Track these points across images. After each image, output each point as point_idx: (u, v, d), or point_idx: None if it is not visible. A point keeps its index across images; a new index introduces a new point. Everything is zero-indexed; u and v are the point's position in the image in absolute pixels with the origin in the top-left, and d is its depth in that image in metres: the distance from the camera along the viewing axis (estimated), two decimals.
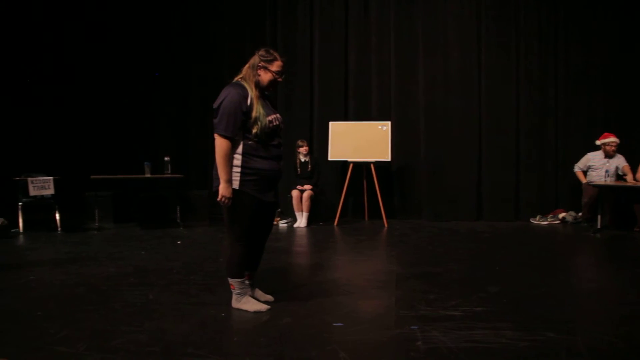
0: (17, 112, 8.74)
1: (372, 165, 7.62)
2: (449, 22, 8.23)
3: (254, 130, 3.13)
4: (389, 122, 7.86)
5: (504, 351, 2.61)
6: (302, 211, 7.56)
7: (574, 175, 7.71)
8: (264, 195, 3.22)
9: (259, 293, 3.53)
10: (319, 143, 8.50)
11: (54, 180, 7.10)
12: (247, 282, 3.41)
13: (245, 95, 3.16)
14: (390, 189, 8.32)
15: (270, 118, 3.19)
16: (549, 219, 7.80)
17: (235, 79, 3.30)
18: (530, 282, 4.13)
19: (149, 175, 7.49)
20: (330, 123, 7.99)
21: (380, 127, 7.77)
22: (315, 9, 8.62)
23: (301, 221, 7.56)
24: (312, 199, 7.59)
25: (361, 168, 7.97)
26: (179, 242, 6.21)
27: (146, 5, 9.14)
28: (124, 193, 8.23)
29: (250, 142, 3.16)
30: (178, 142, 9.19)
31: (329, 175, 8.47)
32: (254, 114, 3.13)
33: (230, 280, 3.32)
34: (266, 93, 3.36)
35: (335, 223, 7.69)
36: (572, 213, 7.79)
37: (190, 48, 9.10)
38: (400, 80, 8.36)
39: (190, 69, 9.12)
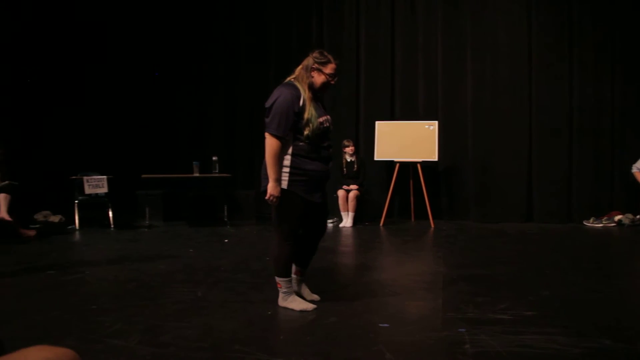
0: (74, 114, 9.09)
1: (418, 165, 7.54)
2: (498, 20, 8.04)
3: (305, 132, 3.13)
4: (436, 122, 7.76)
5: (556, 357, 2.53)
6: (347, 211, 7.55)
7: (631, 175, 7.39)
8: (311, 196, 3.23)
9: (306, 291, 3.54)
10: (365, 143, 8.48)
11: (108, 179, 7.34)
12: (296, 277, 3.45)
13: (298, 96, 3.16)
14: (437, 189, 8.21)
15: (321, 120, 3.19)
16: (603, 222, 7.50)
17: (288, 79, 3.31)
18: (584, 286, 3.99)
19: (197, 175, 7.65)
20: (377, 123, 7.95)
21: (427, 126, 7.68)
22: (361, 8, 8.60)
23: (347, 221, 7.55)
24: (358, 199, 7.58)
25: (408, 168, 7.90)
26: (226, 240, 6.31)
27: (192, 6, 9.33)
28: (174, 192, 8.44)
29: (300, 144, 3.17)
30: (225, 142, 9.35)
31: (375, 175, 8.43)
32: (306, 115, 3.13)
33: (277, 279, 3.35)
34: (318, 94, 3.36)
35: (381, 223, 7.65)
36: (630, 215, 7.46)
37: (236, 49, 9.23)
38: (447, 79, 8.24)
39: (237, 70, 9.26)
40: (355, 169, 7.77)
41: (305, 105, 3.15)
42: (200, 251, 5.57)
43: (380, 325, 3.03)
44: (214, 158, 7.83)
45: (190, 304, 3.50)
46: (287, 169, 3.17)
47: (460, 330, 2.91)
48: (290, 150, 3.17)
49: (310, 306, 3.32)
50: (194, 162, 7.65)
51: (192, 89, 9.45)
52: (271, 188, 3.13)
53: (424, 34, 8.35)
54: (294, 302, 3.34)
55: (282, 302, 3.37)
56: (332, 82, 3.30)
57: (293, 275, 3.48)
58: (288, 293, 3.35)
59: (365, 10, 8.57)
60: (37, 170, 7.99)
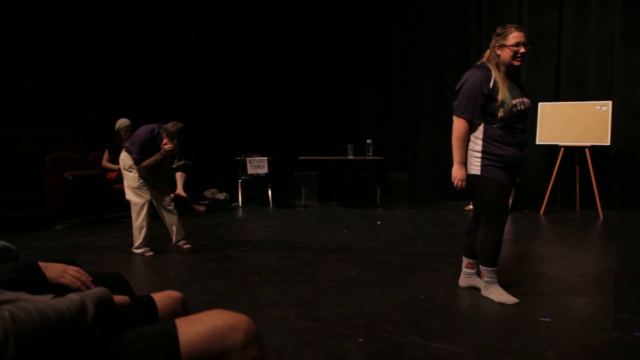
0: (238, 100, 9.79)
1: (587, 150, 6.90)
2: None
3: (499, 114, 2.98)
4: (610, 102, 6.99)
5: None
6: None
7: None
8: (506, 181, 3.06)
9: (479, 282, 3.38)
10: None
11: (268, 160, 7.79)
12: (469, 270, 3.39)
13: (488, 78, 3.02)
14: (607, 176, 7.43)
15: (515, 102, 2.99)
16: None
17: (480, 61, 3.20)
18: None
19: (351, 157, 7.80)
20: (540, 104, 7.40)
21: (599, 107, 6.97)
22: None
23: None
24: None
25: (574, 153, 7.26)
26: (379, 222, 6.37)
27: None
28: (329, 173, 8.70)
29: (494, 127, 3.02)
30: (379, 125, 9.41)
31: (536, 160, 7.88)
32: (499, 97, 2.97)
33: (482, 268, 3.22)
34: (514, 74, 3.20)
35: (542, 212, 7.16)
36: None
37: (391, 35, 9.19)
38: (624, 55, 7.35)
39: (391, 55, 9.23)
40: None
41: (498, 87, 2.99)
42: (353, 232, 5.69)
43: (541, 319, 2.85)
44: (368, 141, 7.91)
45: (344, 282, 3.60)
46: (479, 154, 3.05)
47: (636, 334, 2.63)
48: (482, 135, 3.05)
49: (511, 299, 3.13)
50: (348, 145, 7.81)
51: (347, 74, 9.64)
52: (454, 171, 3.09)
53: (598, 5, 7.52)
54: (495, 292, 3.19)
55: (484, 291, 3.25)
56: (520, 52, 3.04)
57: (465, 269, 3.41)
58: (490, 283, 3.21)
59: None
60: (207, 151, 8.75)
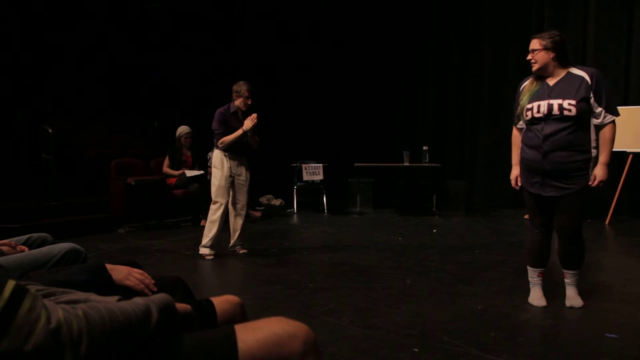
0: (295, 107, 9.90)
1: None
2: None
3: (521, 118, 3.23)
4: None
5: None
6: None
7: None
8: (527, 185, 3.22)
9: (571, 294, 3.30)
10: None
11: (323, 167, 7.83)
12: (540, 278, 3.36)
13: (522, 84, 3.25)
14: None
15: (530, 105, 3.08)
16: None
17: None
18: None
19: (407, 164, 7.73)
20: None
21: None
22: None
23: None
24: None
25: None
26: (434, 230, 6.28)
27: (407, 6, 9.42)
28: (384, 180, 8.66)
29: (524, 130, 3.22)
30: (436, 132, 9.30)
31: None
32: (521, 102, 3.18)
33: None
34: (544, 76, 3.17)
35: (607, 221, 6.85)
36: None
37: (448, 42, 9.08)
38: None
39: (448, 62, 9.11)
40: None
41: (522, 91, 3.19)
42: (408, 239, 5.63)
43: (607, 335, 2.73)
44: (424, 148, 7.82)
45: (399, 290, 3.57)
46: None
47: None
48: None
49: (535, 302, 3.25)
50: (404, 152, 7.75)
51: (404, 82, 9.59)
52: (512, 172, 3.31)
53: None
54: (530, 294, 3.34)
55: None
56: (528, 59, 3.10)
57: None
58: (531, 283, 3.36)
59: None
60: (263, 158, 8.89)
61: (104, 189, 6.64)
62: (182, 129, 7.02)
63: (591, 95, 2.95)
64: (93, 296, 1.21)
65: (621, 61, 7.48)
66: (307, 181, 7.91)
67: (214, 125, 4.69)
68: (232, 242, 4.89)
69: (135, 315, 1.10)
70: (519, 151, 3.22)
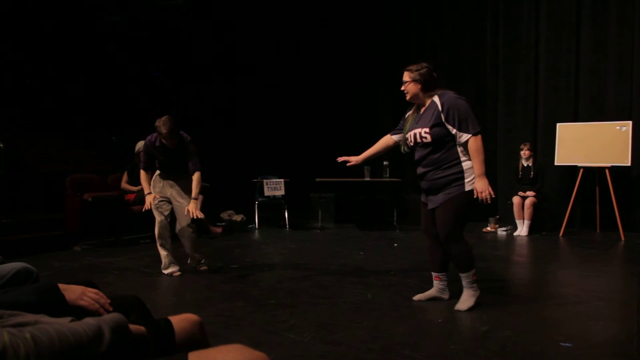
0: (255, 122, 9.88)
1: (607, 171, 6.82)
2: None
3: None
4: (630, 122, 6.91)
5: None
6: (523, 219, 7.11)
7: None
8: (423, 197, 3.69)
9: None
10: (544, 146, 7.90)
11: (284, 182, 7.82)
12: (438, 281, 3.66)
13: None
14: (628, 197, 7.33)
15: (407, 135, 3.57)
16: None
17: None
18: None
19: (368, 179, 7.80)
20: (558, 125, 7.36)
21: (618, 127, 6.90)
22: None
23: (522, 229, 7.11)
24: (535, 206, 7.10)
25: (593, 174, 7.18)
26: (395, 244, 6.33)
27: (366, 11, 9.55)
28: (345, 195, 8.70)
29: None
30: (396, 147, 9.39)
31: (555, 181, 7.83)
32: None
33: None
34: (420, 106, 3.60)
35: (561, 233, 7.06)
36: None
37: (406, 53, 9.25)
38: None
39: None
40: (532, 175, 7.29)
41: (407, 119, 3.75)
42: (370, 254, 5.67)
43: (562, 344, 2.80)
44: (384, 163, 7.91)
45: (360, 305, 3.58)
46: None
47: None
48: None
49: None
50: (365, 167, 7.81)
51: (365, 97, 9.69)
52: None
53: (617, 24, 7.46)
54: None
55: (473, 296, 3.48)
56: (402, 89, 3.54)
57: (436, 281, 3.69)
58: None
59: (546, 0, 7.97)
60: (223, 173, 8.82)
61: (59, 206, 6.44)
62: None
63: (443, 120, 3.23)
64: (44, 318, 1.16)
65: (570, 79, 7.79)
66: (268, 196, 7.88)
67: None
68: (189, 260, 4.82)
69: (86, 336, 1.07)
70: (373, 148, 4.21)
